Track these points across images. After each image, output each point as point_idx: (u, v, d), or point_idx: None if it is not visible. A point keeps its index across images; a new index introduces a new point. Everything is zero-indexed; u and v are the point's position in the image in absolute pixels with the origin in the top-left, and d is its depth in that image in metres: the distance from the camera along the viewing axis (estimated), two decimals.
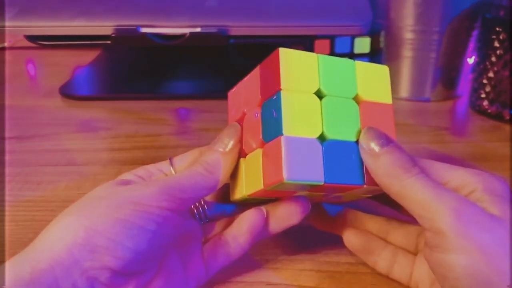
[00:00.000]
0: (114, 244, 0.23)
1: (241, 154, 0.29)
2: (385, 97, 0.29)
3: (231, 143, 0.29)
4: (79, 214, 0.24)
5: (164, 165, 0.31)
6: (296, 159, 0.25)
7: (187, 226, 0.30)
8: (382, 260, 0.30)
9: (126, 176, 0.29)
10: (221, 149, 0.29)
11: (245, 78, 0.31)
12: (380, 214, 0.32)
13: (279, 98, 0.26)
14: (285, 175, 0.25)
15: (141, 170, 0.30)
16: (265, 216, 0.29)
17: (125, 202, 0.25)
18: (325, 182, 0.26)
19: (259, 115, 0.28)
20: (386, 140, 0.26)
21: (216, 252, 0.29)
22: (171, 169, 0.30)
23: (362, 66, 0.29)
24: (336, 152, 0.27)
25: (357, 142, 0.27)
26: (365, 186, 0.27)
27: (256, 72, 0.30)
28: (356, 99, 0.28)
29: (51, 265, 0.22)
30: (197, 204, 0.31)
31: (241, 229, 0.29)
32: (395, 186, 0.25)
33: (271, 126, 0.27)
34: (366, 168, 0.27)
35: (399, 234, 0.31)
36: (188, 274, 0.28)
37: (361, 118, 0.28)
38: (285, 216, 0.30)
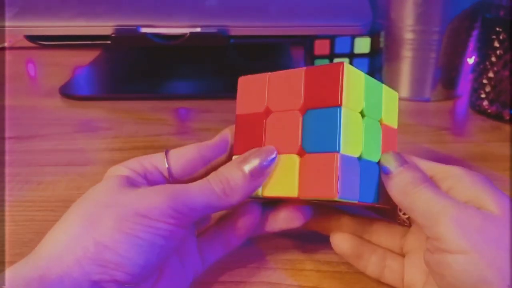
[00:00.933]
0: (124, 260, 0.23)
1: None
2: (393, 122, 0.31)
3: (261, 169, 0.27)
4: (87, 224, 0.24)
5: (158, 158, 0.29)
6: (346, 177, 0.26)
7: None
8: (371, 264, 0.30)
9: (121, 170, 0.28)
10: (247, 171, 0.27)
11: (274, 73, 0.29)
12: (361, 214, 0.32)
13: (338, 114, 0.26)
14: (338, 193, 0.25)
15: (135, 163, 0.29)
16: (261, 211, 0.30)
17: (133, 214, 0.24)
18: (359, 201, 0.27)
19: (299, 119, 0.27)
20: (402, 162, 0.28)
21: (211, 244, 0.30)
22: (165, 163, 0.29)
23: (385, 90, 0.30)
24: (366, 172, 0.28)
25: (377, 163, 0.29)
26: (377, 205, 0.28)
27: (297, 74, 0.28)
28: (380, 121, 0.29)
29: (60, 275, 0.22)
30: None
31: (237, 224, 0.30)
32: (406, 202, 0.27)
33: (321, 139, 0.26)
34: (380, 188, 0.28)
35: (383, 235, 0.31)
36: (186, 268, 0.29)
37: (382, 139, 0.29)
38: (287, 219, 0.30)
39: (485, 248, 0.23)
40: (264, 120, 0.29)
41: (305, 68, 0.28)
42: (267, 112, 0.29)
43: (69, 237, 0.23)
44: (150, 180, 0.29)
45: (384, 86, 0.30)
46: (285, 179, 0.27)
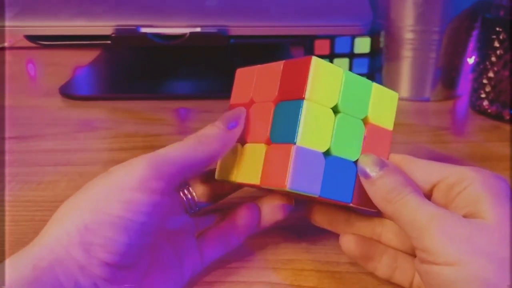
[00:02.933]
0: (107, 240, 0.23)
1: (238, 138, 0.30)
2: (388, 123, 0.30)
3: (235, 124, 0.29)
4: (73, 212, 0.24)
5: None
6: (301, 170, 0.26)
7: (179, 221, 0.30)
8: (382, 266, 0.30)
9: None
10: (222, 126, 0.28)
11: (263, 65, 0.31)
12: (372, 214, 0.32)
13: (300, 107, 0.26)
14: (287, 184, 0.25)
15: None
16: (259, 211, 0.30)
17: (111, 191, 0.24)
18: (319, 195, 0.27)
19: (271, 111, 0.28)
20: (382, 166, 0.27)
21: (211, 243, 0.30)
22: None
23: (377, 88, 0.29)
24: (336, 169, 0.27)
25: (355, 162, 0.28)
26: (351, 204, 0.28)
27: (277, 67, 0.29)
28: (364, 120, 0.29)
29: (51, 264, 0.23)
30: (185, 191, 0.31)
31: (236, 223, 0.30)
32: (389, 209, 0.26)
33: (283, 130, 0.27)
34: (356, 188, 0.28)
35: (394, 235, 0.31)
36: (183, 265, 0.29)
37: (365, 139, 0.29)
38: (271, 213, 0.31)
39: (473, 259, 0.23)
40: (246, 108, 0.30)
41: (284, 61, 0.29)
42: (251, 102, 0.30)
43: (57, 228, 0.24)
44: None
45: (377, 85, 0.29)
46: (253, 167, 0.28)
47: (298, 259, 0.32)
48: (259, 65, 0.31)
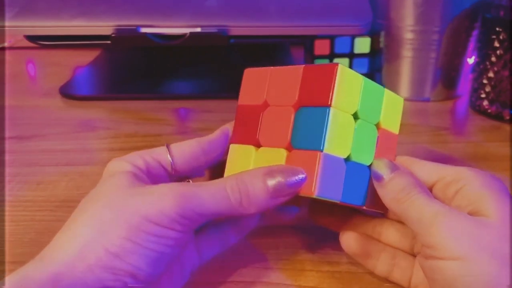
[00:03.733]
0: (134, 269, 0.23)
1: (250, 141, 0.29)
2: (395, 127, 0.31)
3: (285, 190, 0.26)
4: (98, 232, 0.23)
5: (160, 152, 0.29)
6: (327, 177, 0.26)
7: None
8: (381, 263, 0.30)
9: (123, 166, 0.28)
10: (270, 187, 0.25)
11: (277, 68, 0.30)
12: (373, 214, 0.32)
13: (326, 114, 0.26)
14: (315, 191, 0.25)
15: (136, 158, 0.28)
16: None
17: (142, 221, 0.24)
18: (341, 201, 0.27)
19: (292, 116, 0.28)
20: (393, 169, 0.28)
21: (209, 240, 0.30)
22: (168, 157, 0.29)
23: (387, 94, 0.30)
24: (354, 174, 0.28)
25: (369, 166, 0.29)
26: (364, 207, 0.29)
27: (296, 71, 0.29)
28: (376, 125, 0.29)
29: (73, 282, 0.22)
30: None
31: (236, 221, 0.30)
32: (398, 209, 0.27)
33: (308, 136, 0.27)
34: (369, 191, 0.29)
35: (394, 235, 0.31)
36: (184, 263, 0.29)
37: (378, 144, 0.29)
38: (276, 213, 0.30)
39: (477, 255, 0.23)
40: (261, 113, 0.29)
41: (303, 65, 0.28)
42: (265, 105, 0.29)
43: (80, 244, 0.23)
44: (153, 174, 0.29)
45: (387, 91, 0.30)
46: None
47: (298, 259, 0.32)
48: (271, 67, 0.30)
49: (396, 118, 0.31)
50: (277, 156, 0.28)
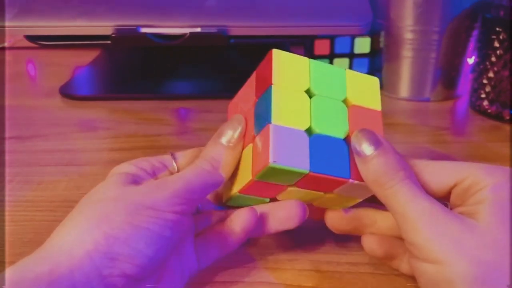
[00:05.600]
0: (134, 252, 0.24)
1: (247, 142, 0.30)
2: (375, 104, 0.30)
3: (235, 136, 0.29)
4: (97, 219, 0.24)
5: (166, 159, 0.31)
6: (284, 145, 0.27)
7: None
8: (405, 263, 0.30)
9: (128, 168, 0.29)
10: (224, 143, 0.29)
11: (242, 87, 0.33)
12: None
13: (269, 91, 0.28)
14: (271, 158, 0.26)
15: (143, 162, 0.30)
16: (258, 216, 0.30)
17: (140, 207, 0.25)
18: (310, 170, 0.27)
19: (252, 109, 0.30)
20: (376, 143, 0.27)
21: (208, 245, 0.30)
22: (174, 164, 0.30)
23: (352, 75, 0.31)
24: (323, 145, 0.28)
25: (345, 139, 0.28)
26: (350, 180, 0.27)
27: (252, 78, 0.31)
28: (345, 102, 0.30)
29: (70, 269, 0.22)
30: None
31: (235, 227, 0.29)
32: (380, 194, 0.26)
33: (261, 119, 0.28)
34: (353, 164, 0.28)
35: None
36: (183, 266, 0.29)
37: (350, 120, 0.29)
38: (283, 219, 0.30)
39: (457, 260, 0.23)
40: (245, 117, 0.31)
41: (256, 70, 0.31)
42: (242, 110, 0.32)
43: (79, 231, 0.24)
44: (159, 177, 0.29)
45: (351, 71, 0.31)
46: (245, 168, 0.29)
47: (298, 259, 0.32)
48: (241, 89, 0.33)
49: (375, 96, 0.31)
50: (248, 152, 0.29)
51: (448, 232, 0.23)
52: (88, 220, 0.24)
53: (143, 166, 0.29)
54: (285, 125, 0.27)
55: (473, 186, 0.26)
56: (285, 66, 0.29)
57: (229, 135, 0.29)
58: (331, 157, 0.28)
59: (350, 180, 0.28)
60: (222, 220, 0.31)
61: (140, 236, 0.24)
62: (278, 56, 0.29)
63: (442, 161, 0.28)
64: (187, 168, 0.29)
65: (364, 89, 0.30)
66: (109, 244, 0.23)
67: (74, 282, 0.22)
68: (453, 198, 0.27)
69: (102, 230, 0.23)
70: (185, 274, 0.29)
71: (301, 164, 0.27)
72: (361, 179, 0.27)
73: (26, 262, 0.23)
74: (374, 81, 0.31)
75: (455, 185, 0.27)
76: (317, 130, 0.28)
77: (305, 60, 0.30)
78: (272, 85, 0.28)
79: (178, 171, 0.30)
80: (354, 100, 0.30)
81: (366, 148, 0.27)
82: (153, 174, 0.29)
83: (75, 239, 0.23)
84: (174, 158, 0.31)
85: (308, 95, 0.29)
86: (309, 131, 0.28)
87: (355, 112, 0.29)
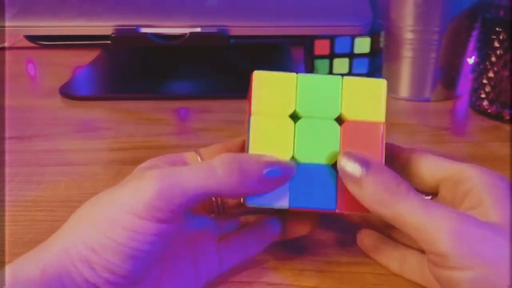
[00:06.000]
0: (110, 265, 0.23)
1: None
2: (376, 115, 0.27)
3: (279, 171, 0.25)
4: (82, 227, 0.24)
5: (190, 156, 0.30)
6: (258, 199, 0.26)
7: (200, 223, 0.30)
8: (393, 260, 0.30)
9: (147, 165, 0.28)
10: (263, 160, 0.25)
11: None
12: None
13: (249, 123, 0.26)
14: (246, 200, 0.25)
15: (165, 159, 0.28)
16: (280, 224, 0.30)
17: (118, 215, 0.23)
18: (290, 206, 0.26)
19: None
20: (365, 164, 0.25)
21: (231, 249, 0.30)
22: (199, 159, 0.30)
23: (352, 82, 0.27)
24: (307, 175, 0.26)
25: (333, 165, 0.27)
26: (337, 211, 0.27)
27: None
28: (339, 118, 0.27)
29: (58, 271, 0.23)
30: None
31: (258, 233, 0.30)
32: (387, 213, 0.24)
33: (246, 149, 0.27)
34: (340, 193, 0.26)
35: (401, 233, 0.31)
36: (200, 268, 0.28)
37: (342, 139, 0.27)
38: (296, 226, 0.30)
39: (492, 259, 0.22)
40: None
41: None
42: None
43: (66, 237, 0.24)
44: None
45: (350, 78, 0.27)
46: None
47: (298, 259, 0.32)
48: None
49: (378, 104, 0.27)
50: None
51: (473, 236, 0.22)
52: (75, 225, 0.24)
53: (163, 162, 0.28)
54: None
55: (463, 181, 0.26)
56: (268, 88, 0.26)
57: (272, 161, 0.26)
58: (315, 188, 0.26)
59: (337, 211, 0.27)
60: (247, 224, 0.31)
61: (113, 251, 0.23)
62: (260, 79, 0.27)
63: (434, 155, 0.28)
64: (193, 164, 0.26)
65: (365, 98, 0.27)
66: (87, 254, 0.23)
67: (63, 282, 0.23)
68: (443, 191, 0.28)
69: (81, 239, 0.23)
70: (201, 275, 0.29)
71: (280, 200, 0.26)
72: (349, 209, 0.26)
73: (20, 261, 0.23)
74: (379, 85, 0.27)
75: (444, 178, 0.27)
76: (300, 159, 0.27)
77: (292, 77, 0.27)
78: (251, 116, 0.26)
79: None
80: (350, 114, 0.27)
81: (356, 170, 0.25)
82: None
83: (63, 244, 0.23)
84: (200, 155, 0.30)
85: (295, 117, 0.27)
86: (292, 160, 0.27)
87: (350, 130, 0.27)
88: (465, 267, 0.22)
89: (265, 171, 0.25)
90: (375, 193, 0.24)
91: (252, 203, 0.25)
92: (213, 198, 0.31)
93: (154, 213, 0.23)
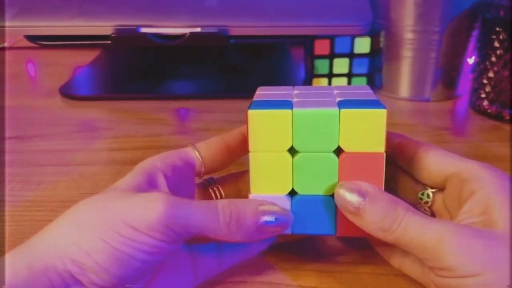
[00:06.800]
0: (101, 269, 0.23)
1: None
2: (376, 146, 0.27)
3: (276, 223, 0.27)
4: (77, 226, 0.24)
5: (187, 152, 0.30)
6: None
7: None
8: (394, 254, 0.30)
9: (149, 167, 0.28)
10: (262, 216, 0.26)
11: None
12: None
13: (249, 160, 0.27)
14: None
15: (165, 159, 0.29)
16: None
17: (121, 223, 0.23)
18: (292, 232, 0.28)
19: None
20: (361, 194, 0.26)
21: (232, 248, 0.30)
22: (197, 154, 0.30)
23: (350, 114, 0.26)
24: (307, 205, 0.28)
25: (333, 195, 0.27)
26: (337, 235, 0.28)
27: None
28: (337, 151, 0.27)
29: (46, 267, 0.23)
30: (214, 189, 0.32)
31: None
32: (388, 238, 0.25)
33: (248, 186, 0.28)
34: (340, 219, 0.28)
35: None
36: (197, 264, 0.28)
37: (341, 171, 0.27)
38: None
39: (493, 267, 0.23)
40: None
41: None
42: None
43: (55, 234, 0.24)
44: (178, 174, 0.29)
45: (349, 111, 0.26)
46: None
47: (298, 259, 0.32)
48: None
49: (378, 135, 0.26)
50: None
51: (474, 245, 0.23)
52: (67, 225, 0.24)
53: (162, 167, 0.28)
54: (265, 194, 0.28)
55: (471, 181, 0.26)
56: (264, 126, 0.26)
57: (272, 212, 0.27)
58: (316, 216, 0.28)
59: (337, 235, 0.28)
60: None
61: (108, 255, 0.23)
62: (255, 117, 0.26)
63: (443, 150, 0.29)
64: (201, 202, 0.26)
65: (365, 130, 0.26)
66: (78, 255, 0.23)
67: (50, 278, 0.23)
68: (449, 188, 0.28)
69: (73, 239, 0.23)
70: (199, 271, 0.28)
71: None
72: (349, 234, 0.28)
73: (7, 257, 0.23)
74: (379, 115, 0.26)
75: (451, 175, 0.27)
76: (300, 191, 0.28)
77: (287, 114, 0.26)
78: (250, 153, 0.27)
79: (202, 162, 0.30)
80: (349, 147, 0.27)
81: (354, 201, 0.26)
82: (173, 171, 0.29)
83: (52, 240, 0.24)
84: (197, 150, 0.30)
85: (293, 152, 0.27)
86: (292, 193, 0.28)
87: (349, 161, 0.27)
88: (472, 274, 0.23)
89: (261, 221, 0.26)
90: (375, 222, 0.25)
91: None
92: (209, 190, 0.32)
93: (153, 234, 0.24)
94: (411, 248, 0.25)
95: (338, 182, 0.27)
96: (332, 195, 0.27)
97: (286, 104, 0.27)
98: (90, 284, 0.23)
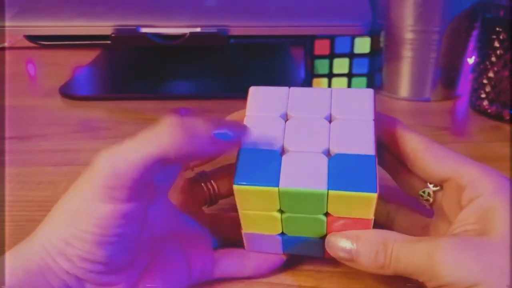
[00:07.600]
0: (85, 253, 0.23)
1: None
2: (365, 215, 0.27)
3: (226, 133, 0.25)
4: (55, 222, 0.24)
5: None
6: (254, 245, 0.30)
7: (189, 221, 0.30)
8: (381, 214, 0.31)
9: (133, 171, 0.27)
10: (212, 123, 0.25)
11: None
12: (389, 201, 0.32)
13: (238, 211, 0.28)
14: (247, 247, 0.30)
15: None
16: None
17: (80, 204, 0.23)
18: (284, 252, 0.30)
19: None
20: (352, 238, 0.26)
21: (227, 262, 0.30)
22: None
23: (339, 196, 0.25)
24: (296, 241, 0.29)
25: (320, 237, 0.28)
26: (326, 257, 0.29)
27: None
28: (326, 213, 0.27)
29: (40, 266, 0.23)
30: (207, 184, 0.31)
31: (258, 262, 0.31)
32: (388, 272, 0.26)
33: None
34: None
35: (405, 224, 0.31)
36: (193, 263, 0.28)
37: (329, 226, 0.28)
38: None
39: (491, 272, 0.23)
40: None
41: None
42: None
43: (43, 234, 0.24)
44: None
45: (336, 193, 0.25)
46: None
47: (298, 259, 0.32)
48: None
49: (366, 210, 0.26)
50: None
51: (466, 256, 0.23)
52: (49, 222, 0.24)
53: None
54: (256, 232, 0.29)
55: (470, 187, 0.26)
56: (251, 197, 0.27)
57: (218, 123, 0.26)
58: (306, 244, 0.29)
59: (326, 257, 0.29)
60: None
61: (83, 240, 0.23)
62: (241, 192, 0.26)
63: (443, 149, 0.28)
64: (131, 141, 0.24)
65: (353, 206, 0.26)
66: (62, 247, 0.23)
67: (46, 278, 0.23)
68: (447, 192, 0.28)
69: (55, 234, 0.24)
70: (194, 270, 0.29)
71: (274, 250, 0.30)
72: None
73: (3, 260, 0.23)
74: (369, 199, 0.25)
75: (450, 178, 0.27)
76: (291, 234, 0.29)
77: (273, 191, 0.26)
78: (241, 210, 0.28)
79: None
80: (337, 213, 0.27)
81: (346, 245, 0.27)
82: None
83: (41, 241, 0.24)
84: None
85: (281, 212, 0.28)
86: (282, 234, 0.29)
87: (337, 221, 0.27)
88: (472, 284, 0.23)
89: (214, 132, 0.25)
90: (370, 264, 0.26)
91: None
92: (204, 188, 0.31)
93: (111, 194, 0.23)
94: (410, 275, 0.25)
95: (326, 233, 0.28)
96: (321, 237, 0.28)
97: (272, 171, 0.26)
98: (86, 273, 0.24)
